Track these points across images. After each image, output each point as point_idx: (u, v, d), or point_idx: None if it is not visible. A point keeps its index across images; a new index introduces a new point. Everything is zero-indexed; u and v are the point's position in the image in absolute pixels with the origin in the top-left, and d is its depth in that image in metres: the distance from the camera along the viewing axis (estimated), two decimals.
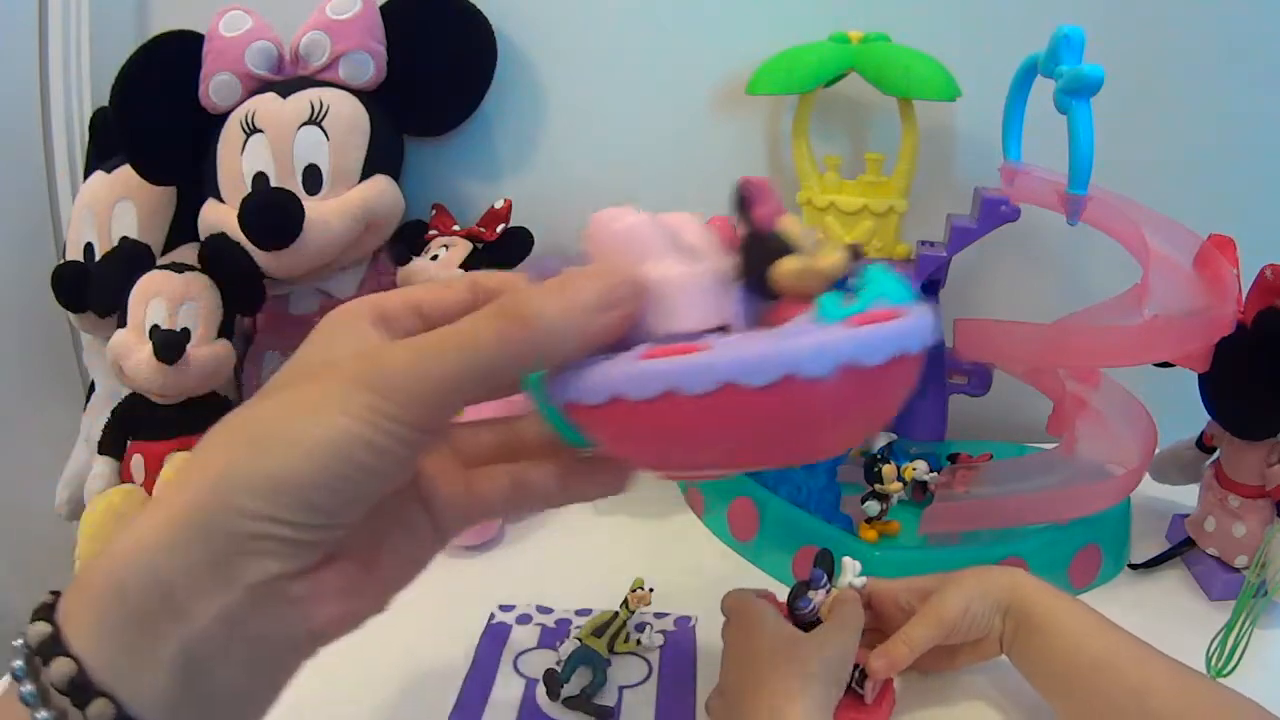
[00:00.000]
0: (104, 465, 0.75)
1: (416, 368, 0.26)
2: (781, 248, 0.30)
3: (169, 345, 0.69)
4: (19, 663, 0.25)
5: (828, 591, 0.53)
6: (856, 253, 0.30)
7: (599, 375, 0.28)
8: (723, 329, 0.29)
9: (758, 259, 0.30)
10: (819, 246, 0.30)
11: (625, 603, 0.59)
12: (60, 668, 0.24)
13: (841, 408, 0.28)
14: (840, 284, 0.29)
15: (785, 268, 0.29)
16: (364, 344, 0.29)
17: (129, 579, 0.25)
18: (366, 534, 0.29)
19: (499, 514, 0.34)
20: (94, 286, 0.77)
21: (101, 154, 0.88)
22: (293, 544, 0.26)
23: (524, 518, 0.29)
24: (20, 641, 0.25)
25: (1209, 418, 0.67)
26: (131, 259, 0.76)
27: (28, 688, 0.24)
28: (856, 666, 0.52)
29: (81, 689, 0.24)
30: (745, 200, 0.32)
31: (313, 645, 0.29)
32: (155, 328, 0.71)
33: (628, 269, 0.29)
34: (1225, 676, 0.52)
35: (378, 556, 0.30)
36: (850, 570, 0.54)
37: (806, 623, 0.52)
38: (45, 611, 0.26)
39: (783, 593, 0.56)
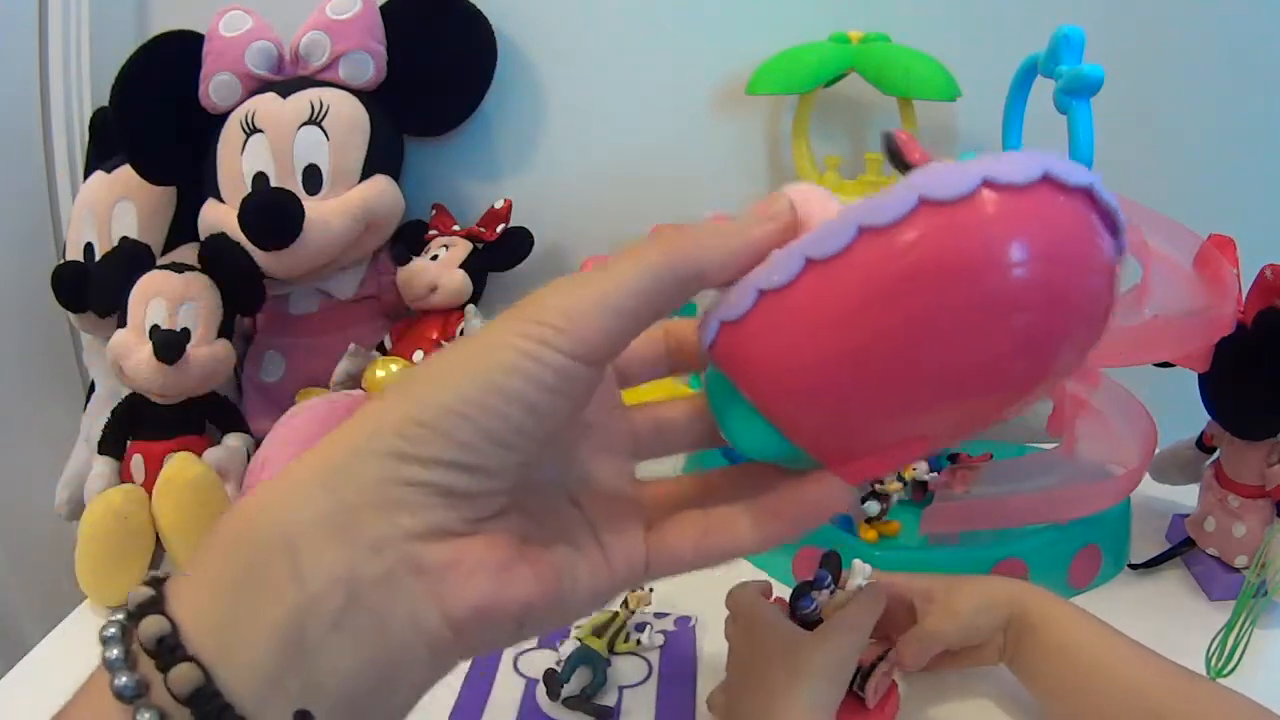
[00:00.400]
0: (104, 465, 0.75)
1: (581, 291, 0.25)
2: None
3: (169, 345, 0.69)
4: (112, 629, 0.23)
5: (832, 592, 0.53)
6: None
7: (748, 282, 0.26)
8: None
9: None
10: None
11: (625, 603, 0.59)
12: (149, 626, 0.22)
13: (1009, 260, 0.23)
14: None
15: None
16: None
17: (247, 533, 0.23)
18: (521, 514, 0.26)
19: (690, 565, 0.30)
20: (94, 286, 0.77)
21: (101, 154, 0.88)
22: (430, 491, 0.23)
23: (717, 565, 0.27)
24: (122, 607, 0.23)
25: (1209, 418, 0.67)
26: (131, 259, 0.76)
27: (114, 652, 0.22)
28: (859, 669, 0.52)
29: (170, 650, 0.21)
30: (898, 149, 0.33)
31: (444, 637, 0.24)
32: (155, 328, 0.71)
33: (778, 195, 0.28)
34: (1225, 676, 0.52)
35: (536, 545, 0.26)
36: (860, 573, 0.54)
37: (809, 623, 0.52)
38: (155, 582, 0.23)
39: (781, 593, 0.56)
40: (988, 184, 0.23)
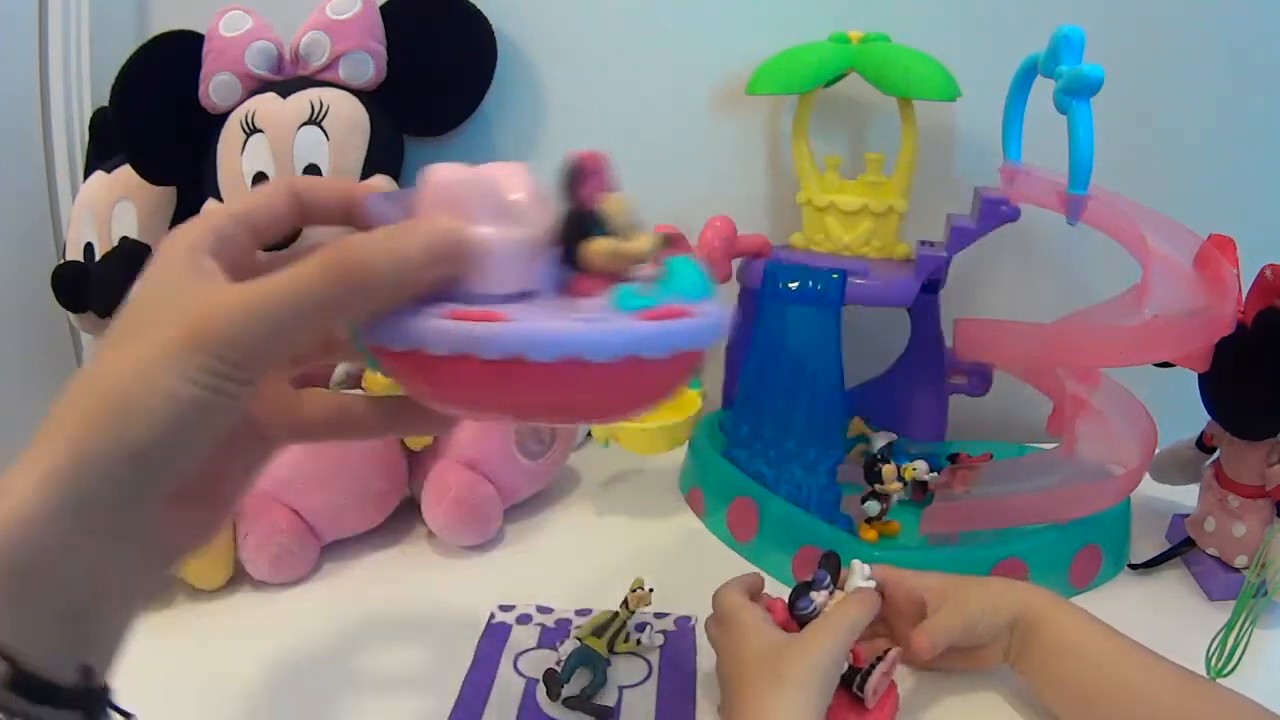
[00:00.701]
0: None
1: (246, 322, 0.28)
2: (597, 227, 0.32)
3: None
4: None
5: (830, 593, 0.53)
6: (668, 240, 0.32)
7: (405, 325, 0.30)
8: (529, 294, 0.31)
9: (572, 234, 0.32)
10: (633, 230, 0.32)
11: (625, 603, 0.59)
12: None
13: (619, 390, 0.30)
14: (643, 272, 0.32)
15: (595, 248, 0.32)
16: (201, 281, 0.30)
17: (10, 550, 0.26)
18: (206, 464, 0.30)
19: (321, 437, 0.37)
20: (94, 286, 0.77)
21: (101, 154, 0.88)
22: (147, 499, 0.29)
23: (345, 440, 0.34)
24: None
25: (1209, 418, 0.67)
26: (131, 259, 0.76)
27: None
28: (858, 670, 0.52)
29: None
30: (573, 176, 0.33)
31: (169, 563, 0.32)
32: None
33: (453, 227, 0.30)
34: (1225, 676, 0.52)
35: (217, 480, 0.34)
36: (859, 573, 0.54)
37: (807, 623, 0.52)
38: None
39: (780, 593, 0.56)
40: (628, 358, 0.29)
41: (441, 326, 0.29)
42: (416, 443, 0.72)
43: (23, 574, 0.26)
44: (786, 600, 0.54)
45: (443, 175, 0.32)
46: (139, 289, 0.31)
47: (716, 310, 0.32)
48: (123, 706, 0.30)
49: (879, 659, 0.52)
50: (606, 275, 0.32)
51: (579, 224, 0.32)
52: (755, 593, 0.57)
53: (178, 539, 0.32)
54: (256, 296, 0.28)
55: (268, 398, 0.35)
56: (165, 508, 0.29)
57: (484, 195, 0.32)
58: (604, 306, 0.30)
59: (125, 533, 0.28)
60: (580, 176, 0.33)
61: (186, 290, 0.30)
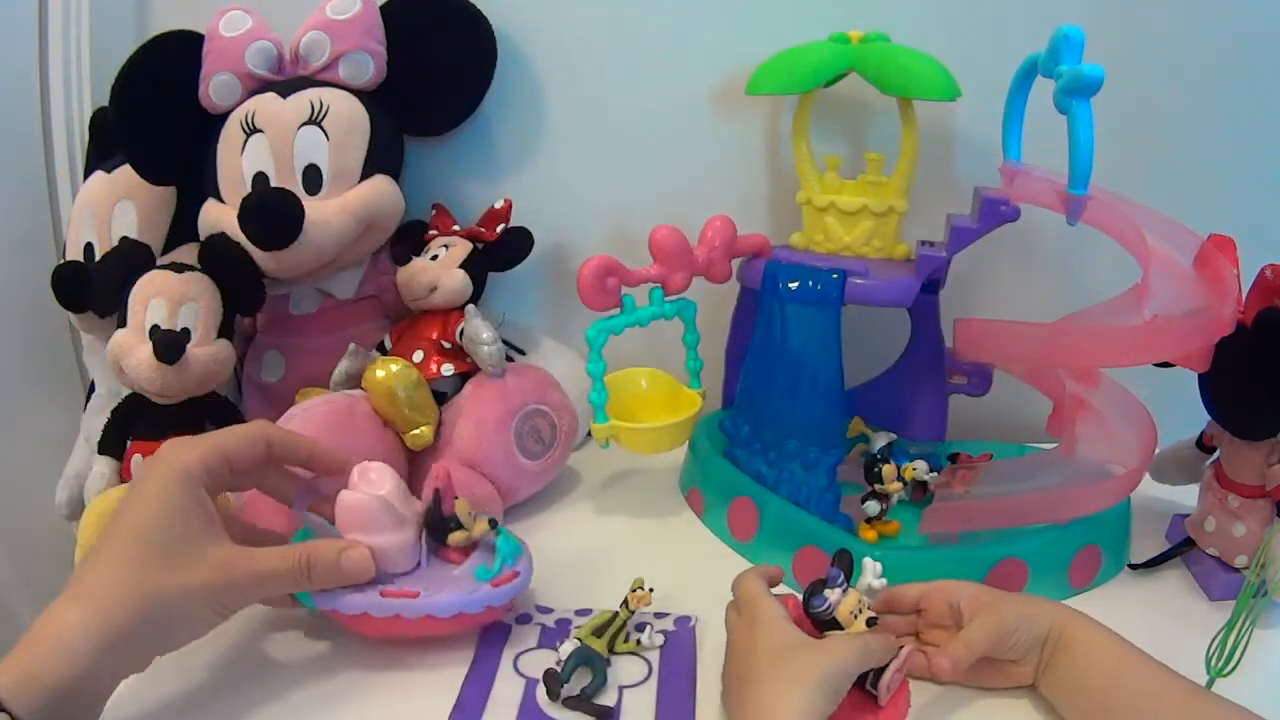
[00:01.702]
0: (104, 465, 0.75)
1: (253, 588, 0.52)
2: (454, 524, 0.58)
3: (169, 345, 0.69)
4: None
5: (844, 591, 0.53)
6: (493, 523, 0.59)
7: (355, 599, 0.55)
8: (419, 566, 0.58)
9: (440, 531, 0.58)
10: (475, 521, 0.59)
11: (625, 603, 0.59)
12: None
13: (480, 620, 0.58)
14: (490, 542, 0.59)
15: (454, 539, 0.58)
16: (216, 534, 0.50)
17: (56, 676, 0.43)
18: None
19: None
20: (94, 286, 0.77)
21: (101, 154, 0.88)
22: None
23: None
24: None
25: (1209, 418, 0.67)
26: (131, 259, 0.76)
27: None
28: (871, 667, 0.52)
29: None
30: (437, 501, 0.58)
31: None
32: (155, 328, 0.71)
33: (366, 554, 0.55)
34: (1225, 676, 0.52)
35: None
36: (870, 571, 0.54)
37: (822, 621, 0.52)
38: None
39: (780, 593, 0.56)
40: (487, 607, 0.58)
41: (380, 601, 0.55)
42: (416, 442, 0.72)
43: (61, 692, 0.43)
44: (801, 598, 0.53)
45: (352, 500, 0.55)
46: (139, 495, 0.49)
47: (525, 566, 0.59)
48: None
49: (892, 656, 0.52)
50: (464, 550, 0.59)
51: (443, 525, 0.58)
52: (774, 583, 0.57)
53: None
54: (263, 572, 0.51)
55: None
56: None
57: (380, 512, 0.55)
58: (470, 577, 0.57)
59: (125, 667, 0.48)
60: (441, 500, 0.58)
61: (204, 537, 0.50)
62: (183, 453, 0.50)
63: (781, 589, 0.57)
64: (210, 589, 0.48)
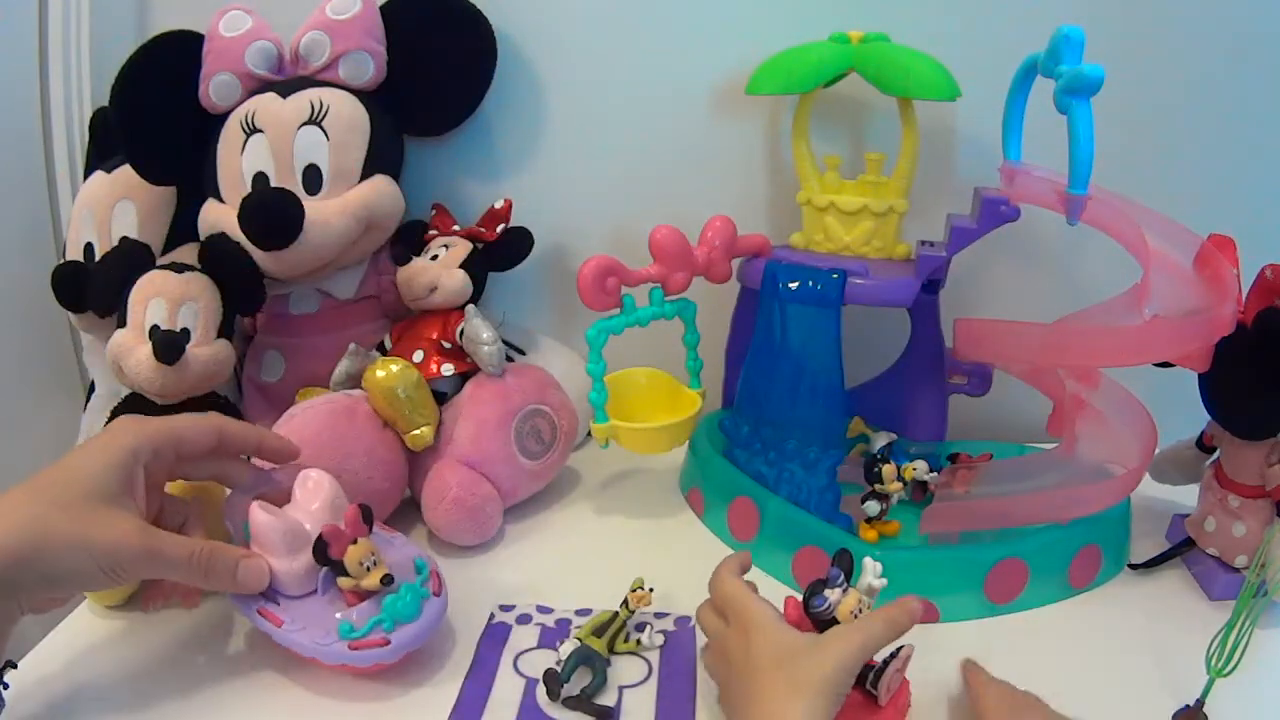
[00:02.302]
0: None
1: (147, 563, 0.52)
2: (343, 570, 0.55)
3: (169, 346, 0.69)
4: None
5: (844, 590, 0.53)
6: (387, 580, 0.55)
7: (244, 605, 0.57)
8: (313, 591, 0.57)
9: (335, 570, 0.56)
10: (369, 572, 0.55)
11: (625, 603, 0.59)
12: None
13: (349, 669, 0.56)
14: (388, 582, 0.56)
15: (343, 584, 0.56)
16: (126, 508, 0.52)
17: None
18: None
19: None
20: (94, 286, 0.77)
21: (101, 154, 0.88)
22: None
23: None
24: None
25: (1209, 418, 0.67)
26: (131, 259, 0.76)
27: None
28: (871, 667, 0.52)
29: None
30: (326, 545, 0.55)
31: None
32: (155, 328, 0.71)
33: (262, 567, 0.56)
34: (1225, 676, 0.52)
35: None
36: (871, 571, 0.54)
37: (822, 621, 0.52)
38: None
39: (780, 593, 0.56)
40: (343, 665, 0.57)
41: (255, 616, 0.56)
42: (417, 443, 0.72)
43: None
44: (801, 598, 0.53)
45: (258, 519, 0.56)
46: (78, 451, 0.53)
47: (410, 634, 0.55)
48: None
49: (892, 656, 0.52)
50: (359, 594, 0.56)
51: (338, 568, 0.56)
52: (745, 570, 0.57)
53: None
54: (159, 551, 0.52)
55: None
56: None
57: (281, 539, 0.56)
58: (336, 627, 0.55)
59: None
60: (330, 544, 0.55)
61: (117, 503, 0.51)
62: (134, 427, 0.54)
63: (781, 589, 0.57)
64: (102, 548, 0.49)
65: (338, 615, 0.55)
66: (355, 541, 0.55)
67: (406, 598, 0.55)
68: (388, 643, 0.54)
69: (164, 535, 0.53)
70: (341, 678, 0.57)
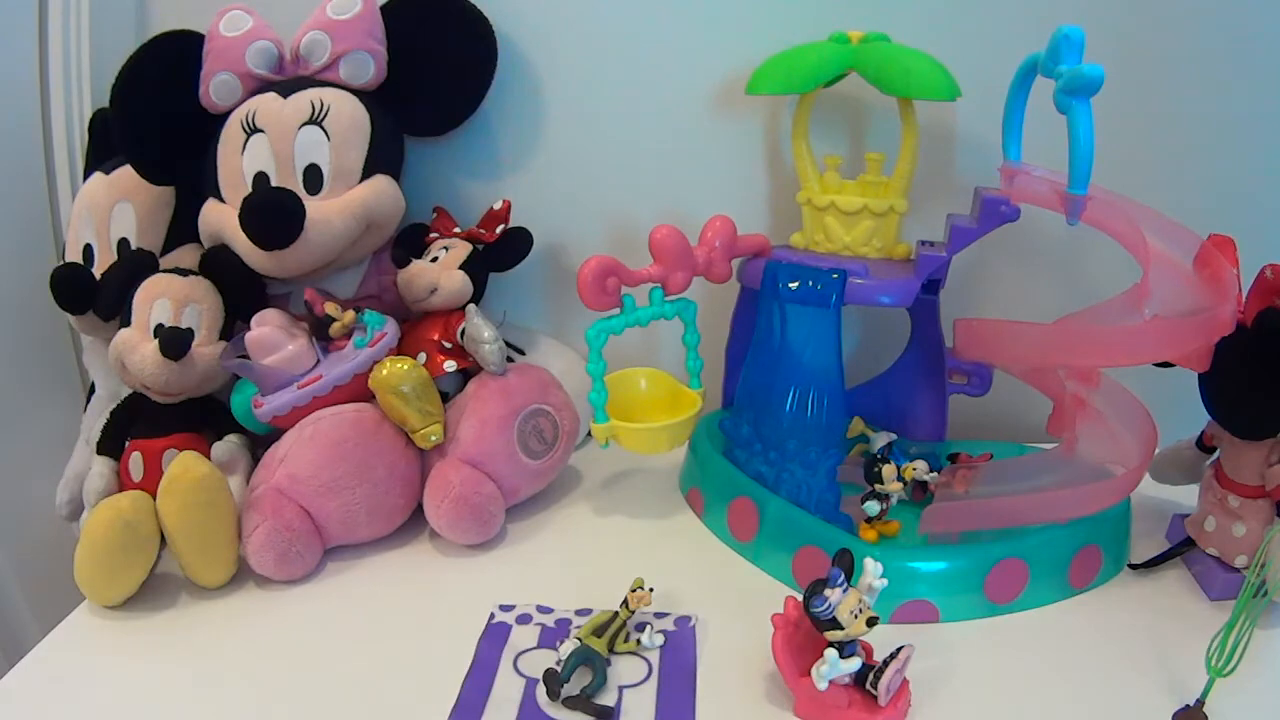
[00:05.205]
0: (102, 465, 0.75)
1: None
2: (329, 321, 0.74)
3: (174, 341, 0.69)
4: None
5: (844, 591, 0.53)
6: (358, 309, 0.75)
7: (282, 399, 0.71)
8: (319, 360, 0.74)
9: (323, 330, 0.74)
10: (344, 313, 0.74)
11: (625, 603, 0.59)
12: None
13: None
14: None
15: (334, 330, 0.74)
16: None
17: None
18: None
19: None
20: (101, 297, 0.77)
21: (101, 154, 0.88)
22: None
23: None
24: None
25: (1209, 418, 0.67)
26: (136, 268, 0.76)
27: None
28: (872, 667, 0.52)
29: None
30: (310, 309, 0.74)
31: None
32: (160, 326, 0.71)
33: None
34: (1225, 676, 0.52)
35: None
36: (871, 571, 0.54)
37: (821, 621, 0.52)
38: None
39: (780, 593, 0.56)
40: (373, 360, 0.74)
41: (299, 393, 0.71)
42: (427, 441, 0.72)
43: None
44: (801, 598, 0.53)
45: (255, 335, 0.72)
46: None
47: (391, 327, 0.75)
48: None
49: (892, 656, 0.52)
50: (345, 336, 0.75)
51: (323, 324, 0.74)
52: None
53: None
54: None
55: None
56: None
57: (276, 336, 0.72)
58: (353, 350, 0.73)
59: None
60: (313, 308, 0.73)
61: None
62: None
63: (781, 589, 0.57)
64: None
65: (344, 353, 0.75)
66: (328, 300, 0.76)
67: (370, 313, 0.76)
68: (385, 335, 0.74)
69: None
70: (342, 674, 0.57)
